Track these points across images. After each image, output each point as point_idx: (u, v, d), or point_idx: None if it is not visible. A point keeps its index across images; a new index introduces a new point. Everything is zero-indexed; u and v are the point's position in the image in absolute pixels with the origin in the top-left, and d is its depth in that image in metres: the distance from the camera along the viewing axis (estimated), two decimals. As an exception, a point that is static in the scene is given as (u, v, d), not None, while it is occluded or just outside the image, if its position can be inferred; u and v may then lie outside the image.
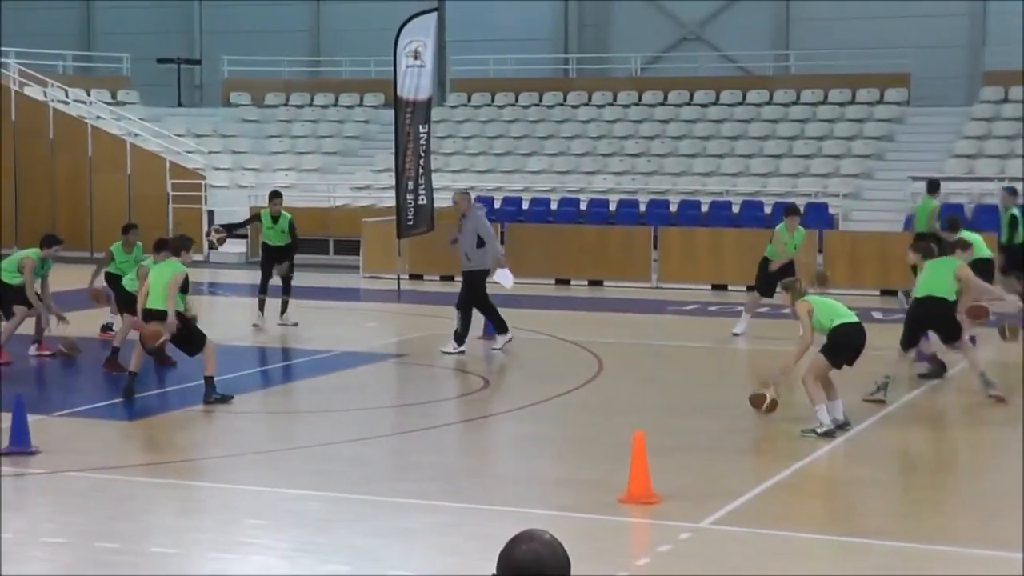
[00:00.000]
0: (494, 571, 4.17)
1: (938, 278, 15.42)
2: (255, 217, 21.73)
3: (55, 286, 18.52)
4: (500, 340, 18.87)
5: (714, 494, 11.28)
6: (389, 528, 10.40)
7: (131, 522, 10.50)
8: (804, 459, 12.72)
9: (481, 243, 18.63)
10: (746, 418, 14.84)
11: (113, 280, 18.35)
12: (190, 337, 15.17)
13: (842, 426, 13.66)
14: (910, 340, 15.73)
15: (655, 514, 10.76)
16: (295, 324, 21.02)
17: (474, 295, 18.73)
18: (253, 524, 10.61)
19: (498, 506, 10.89)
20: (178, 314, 14.99)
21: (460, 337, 18.60)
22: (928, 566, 9.62)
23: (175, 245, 15.60)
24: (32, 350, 18.17)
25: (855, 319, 13.87)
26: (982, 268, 17.22)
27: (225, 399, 15.02)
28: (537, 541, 4.14)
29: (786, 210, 20.68)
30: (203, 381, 15.06)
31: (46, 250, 17.84)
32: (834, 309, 13.90)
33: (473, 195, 19.96)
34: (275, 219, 21.08)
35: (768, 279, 20.07)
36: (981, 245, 18.13)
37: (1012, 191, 22.36)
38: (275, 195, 21.43)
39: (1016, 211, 21.74)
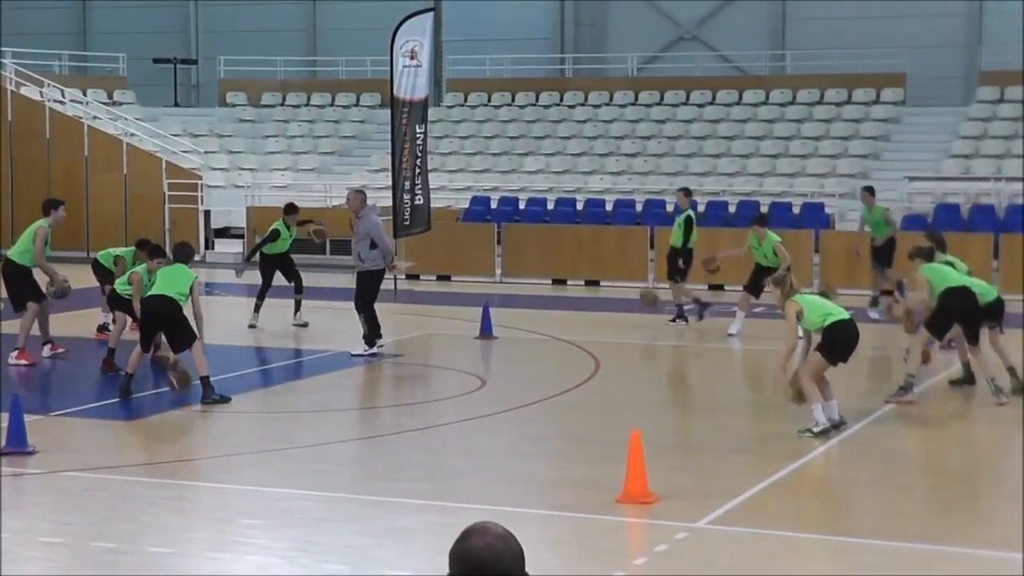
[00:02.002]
0: (448, 571, 4.02)
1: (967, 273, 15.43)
2: (275, 234, 21.28)
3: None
4: (362, 349, 18.39)
5: (711, 494, 11.28)
6: (386, 528, 10.40)
7: (128, 522, 10.49)
8: (801, 459, 12.73)
9: (374, 245, 18.49)
10: (743, 418, 14.85)
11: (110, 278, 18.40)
12: (181, 331, 15.21)
13: (838, 426, 13.66)
14: (940, 331, 15.52)
15: (652, 514, 10.76)
16: (305, 324, 21.07)
17: (365, 296, 18.57)
18: (250, 524, 10.61)
19: (495, 506, 10.87)
20: (178, 307, 15.11)
21: (369, 339, 18.44)
22: (926, 566, 9.62)
23: (187, 252, 15.95)
24: (46, 351, 18.11)
25: (848, 316, 13.82)
26: None
27: (224, 399, 15.04)
28: (491, 535, 4.00)
29: (756, 219, 20.84)
30: (199, 382, 15.08)
31: (53, 213, 17.95)
32: (825, 307, 13.80)
33: (369, 199, 19.22)
34: (289, 228, 21.32)
35: (758, 280, 20.15)
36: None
37: (687, 192, 22.18)
38: (292, 209, 21.50)
39: (692, 213, 21.58)
